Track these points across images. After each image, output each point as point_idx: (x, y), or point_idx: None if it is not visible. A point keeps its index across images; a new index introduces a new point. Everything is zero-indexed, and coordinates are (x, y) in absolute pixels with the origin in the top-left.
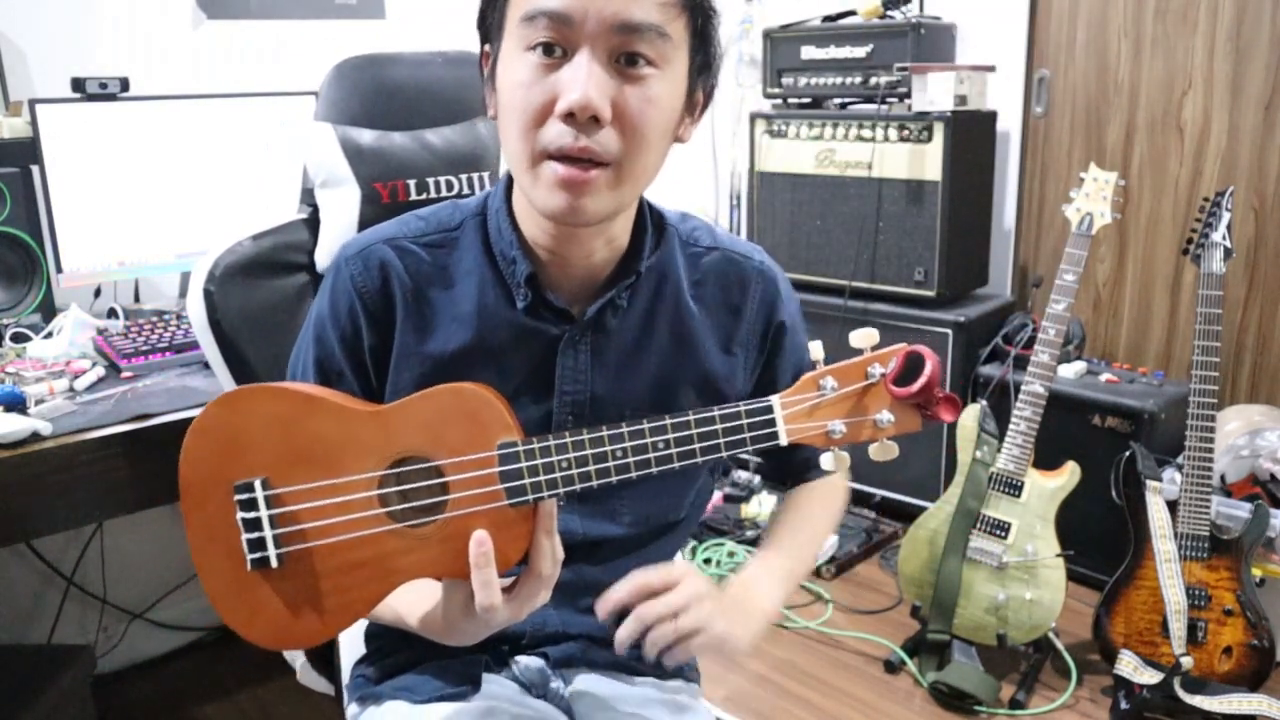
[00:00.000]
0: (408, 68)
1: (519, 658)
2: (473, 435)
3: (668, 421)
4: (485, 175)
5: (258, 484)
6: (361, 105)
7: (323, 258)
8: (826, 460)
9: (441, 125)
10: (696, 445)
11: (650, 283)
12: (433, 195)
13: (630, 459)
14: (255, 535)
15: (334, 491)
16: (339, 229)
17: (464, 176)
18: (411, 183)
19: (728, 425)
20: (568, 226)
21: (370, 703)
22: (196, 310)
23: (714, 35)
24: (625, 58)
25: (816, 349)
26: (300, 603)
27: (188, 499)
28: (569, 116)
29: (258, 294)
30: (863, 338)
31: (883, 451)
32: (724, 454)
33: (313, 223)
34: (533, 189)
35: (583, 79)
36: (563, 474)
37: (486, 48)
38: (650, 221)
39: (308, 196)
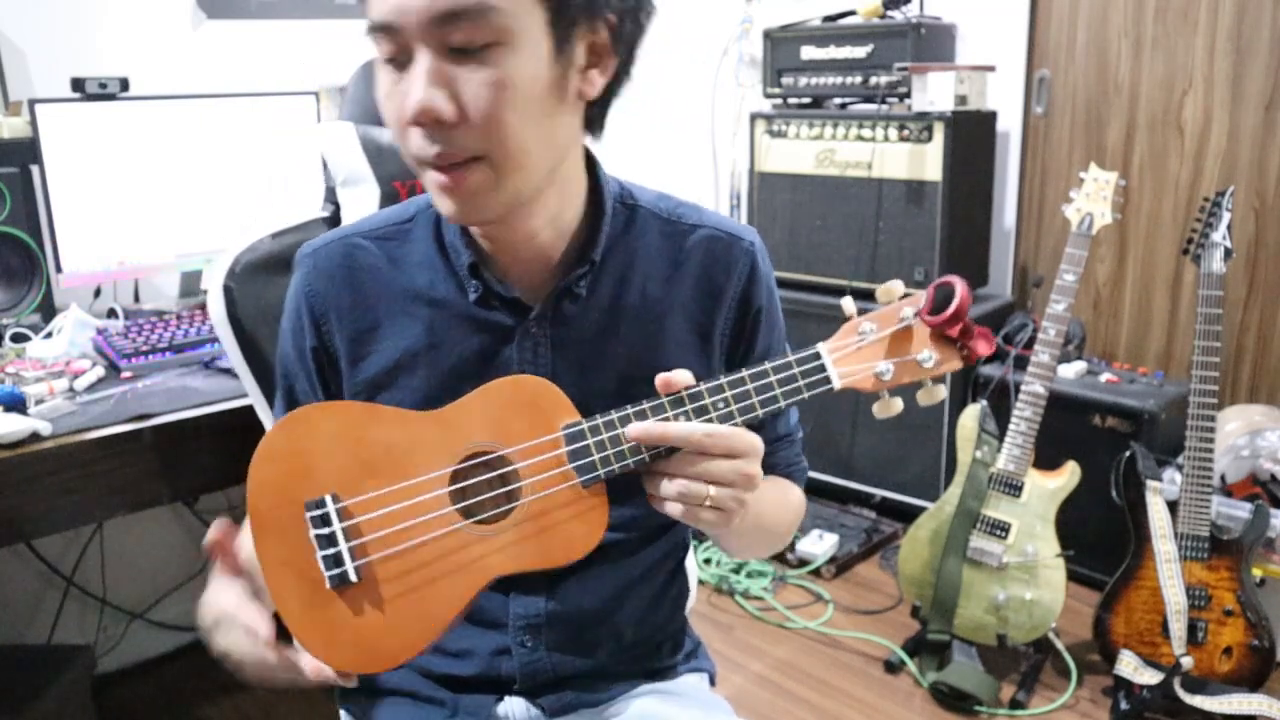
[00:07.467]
0: None
1: (508, 699)
2: (536, 422)
3: (723, 380)
4: None
5: (328, 499)
6: None
7: None
8: (877, 408)
9: None
10: (755, 399)
11: (616, 268)
12: None
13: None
14: (331, 551)
15: (404, 495)
16: None
17: None
18: None
19: (781, 377)
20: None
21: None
22: (216, 306)
23: None
24: (455, 48)
25: (848, 303)
26: (382, 617)
27: (258, 528)
28: (418, 124)
29: (276, 291)
30: (888, 291)
31: (929, 395)
32: (782, 404)
33: (334, 221)
34: (431, 194)
35: (413, 85)
36: (629, 444)
37: None
38: (619, 201)
39: (330, 195)
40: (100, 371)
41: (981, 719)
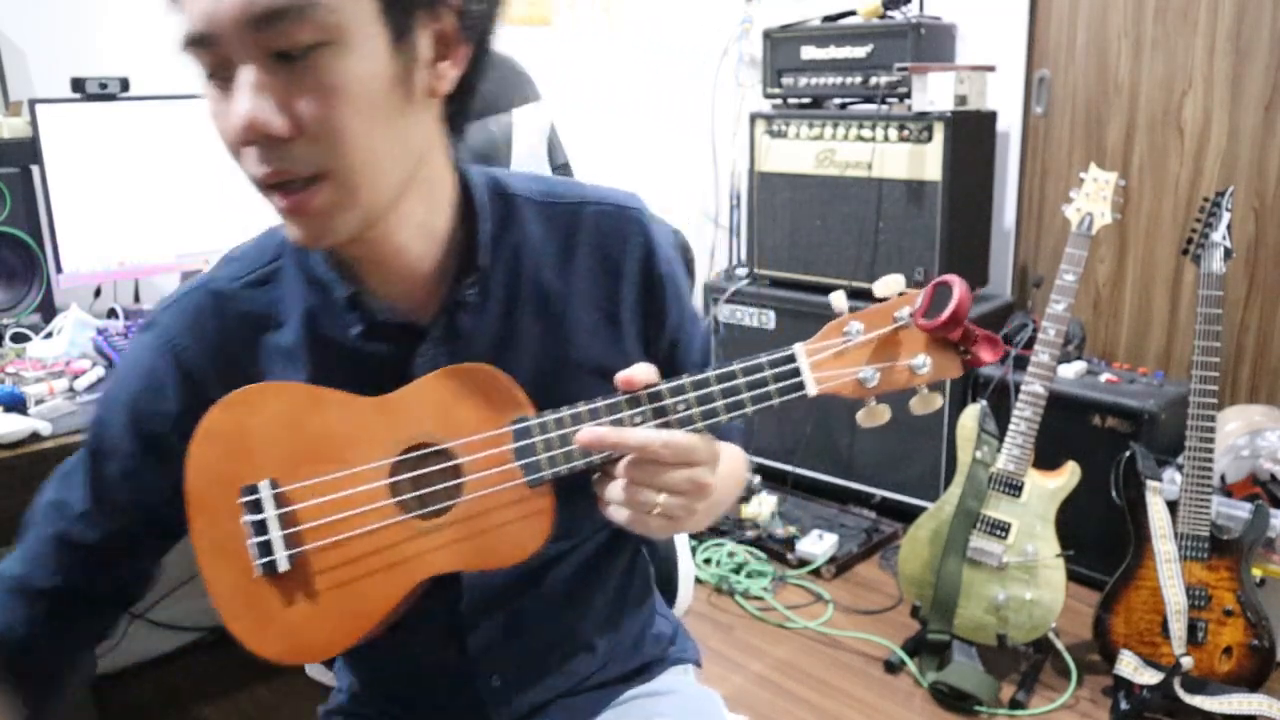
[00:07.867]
0: None
1: None
2: (484, 414)
3: (686, 381)
4: None
5: (264, 485)
6: None
7: None
8: (861, 416)
9: None
10: (720, 403)
11: (504, 266)
12: None
13: (651, 423)
14: (262, 539)
15: (342, 485)
16: None
17: None
18: None
19: (751, 379)
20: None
21: None
22: None
23: None
24: (279, 54)
25: (838, 299)
26: (313, 609)
27: (193, 508)
28: (249, 143)
29: None
30: (887, 285)
31: (924, 403)
32: (749, 410)
33: None
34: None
35: (237, 100)
36: (580, 446)
37: None
38: (491, 194)
39: None
40: (100, 371)
41: (981, 719)
